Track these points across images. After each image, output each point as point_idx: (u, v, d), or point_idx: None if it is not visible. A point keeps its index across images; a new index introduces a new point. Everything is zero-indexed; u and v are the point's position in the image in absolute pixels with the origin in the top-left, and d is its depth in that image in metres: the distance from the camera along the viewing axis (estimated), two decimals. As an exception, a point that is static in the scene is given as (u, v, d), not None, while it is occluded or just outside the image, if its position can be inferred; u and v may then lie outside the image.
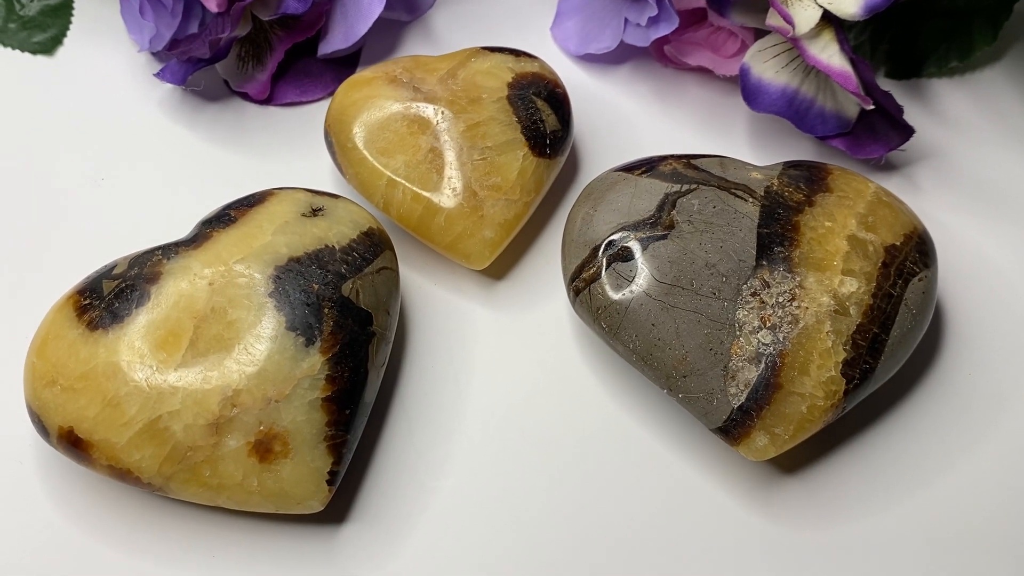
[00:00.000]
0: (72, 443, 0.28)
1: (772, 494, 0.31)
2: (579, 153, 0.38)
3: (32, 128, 0.38)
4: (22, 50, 0.40)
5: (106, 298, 0.30)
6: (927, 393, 0.33)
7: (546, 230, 0.36)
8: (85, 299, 0.30)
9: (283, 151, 0.38)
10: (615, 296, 0.30)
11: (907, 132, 0.35)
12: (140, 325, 0.29)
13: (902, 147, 0.36)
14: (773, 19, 0.34)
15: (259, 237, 0.31)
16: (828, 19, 0.34)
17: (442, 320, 0.34)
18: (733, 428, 0.29)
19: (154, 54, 0.40)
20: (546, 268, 0.35)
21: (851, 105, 0.36)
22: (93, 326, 0.29)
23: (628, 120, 0.39)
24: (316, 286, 0.30)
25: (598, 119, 0.39)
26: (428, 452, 0.32)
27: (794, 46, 0.34)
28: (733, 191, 0.32)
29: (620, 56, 0.40)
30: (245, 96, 0.39)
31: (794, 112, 0.35)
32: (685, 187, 0.32)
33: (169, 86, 0.39)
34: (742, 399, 0.29)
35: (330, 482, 0.29)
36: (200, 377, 0.28)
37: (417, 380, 0.33)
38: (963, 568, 0.30)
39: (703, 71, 0.39)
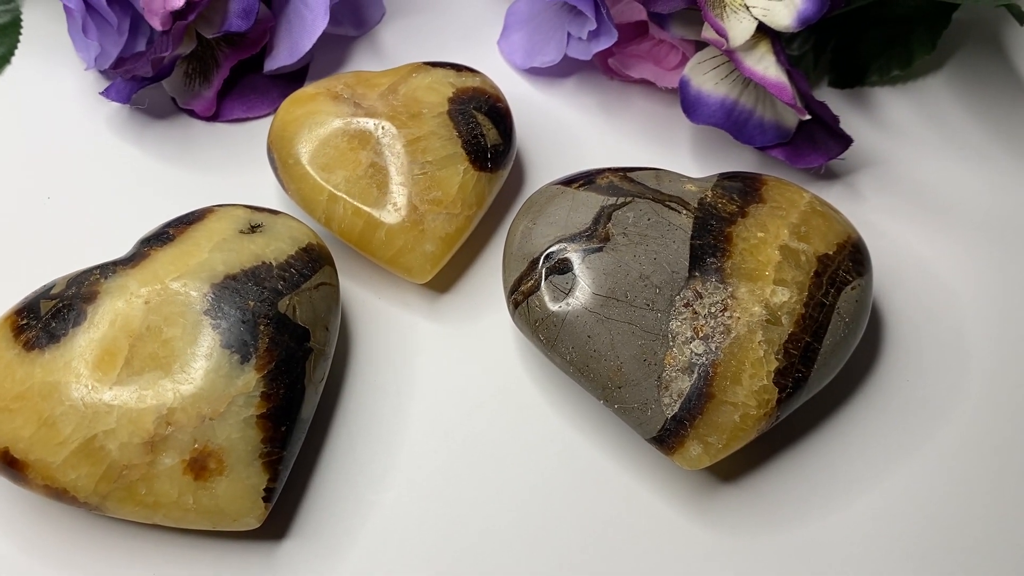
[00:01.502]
0: (8, 463, 0.28)
1: (710, 502, 0.31)
2: (525, 166, 0.38)
3: (-21, 147, 0.38)
4: (-30, 69, 0.40)
5: (43, 318, 0.30)
6: (865, 400, 0.33)
7: (491, 243, 0.36)
8: (22, 319, 0.30)
9: (229, 167, 0.38)
10: (552, 308, 0.31)
11: (845, 141, 0.36)
12: (76, 345, 0.29)
13: (841, 156, 0.36)
14: (708, 32, 0.34)
15: (196, 255, 0.31)
16: (764, 31, 0.34)
17: (385, 334, 0.34)
18: (667, 438, 0.30)
19: (102, 72, 0.40)
20: (490, 281, 0.36)
21: (790, 115, 0.36)
22: (30, 346, 0.29)
23: (573, 133, 0.39)
24: (252, 303, 0.30)
25: (544, 132, 0.39)
26: (369, 466, 0.32)
27: (730, 59, 0.34)
28: (667, 203, 0.32)
29: (566, 69, 0.40)
30: (192, 113, 0.39)
31: (733, 123, 0.36)
32: (620, 200, 0.32)
33: (117, 104, 0.39)
34: (675, 409, 0.30)
35: (266, 499, 0.29)
36: (135, 396, 0.28)
37: (359, 394, 0.33)
38: (902, 574, 0.30)
39: (647, 83, 0.39)
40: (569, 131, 0.39)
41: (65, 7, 0.38)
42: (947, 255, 0.36)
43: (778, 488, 0.32)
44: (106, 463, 0.28)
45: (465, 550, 0.31)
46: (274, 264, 0.31)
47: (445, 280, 0.35)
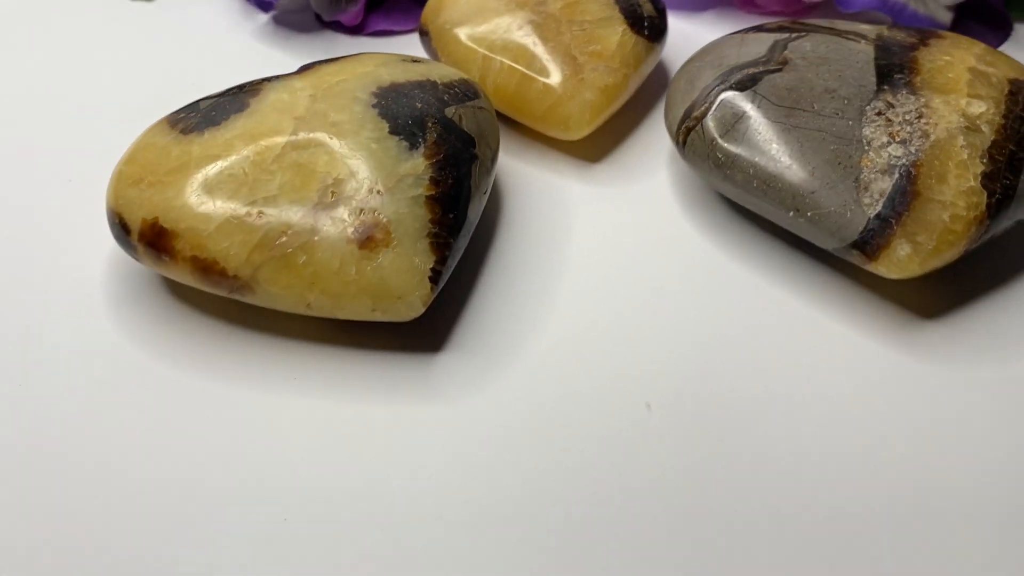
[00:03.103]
0: (155, 236, 0.26)
1: (914, 335, 0.28)
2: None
3: (134, 54, 0.39)
4: (122, -4, 0.41)
5: (202, 110, 0.29)
6: (1068, 251, 0.30)
7: (643, 125, 0.35)
8: (180, 114, 0.29)
9: (373, 66, 0.38)
10: (730, 124, 0.29)
11: (1006, 27, 0.35)
12: (237, 126, 0.28)
13: (1000, 46, 0.35)
14: (864, -92, 0.35)
15: (362, 67, 0.30)
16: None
17: (538, 196, 0.32)
18: (871, 239, 0.27)
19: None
20: (645, 155, 0.34)
21: (942, 11, 0.36)
22: (187, 131, 0.28)
23: (715, 50, 0.39)
24: (419, 105, 0.29)
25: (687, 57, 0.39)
26: (526, 299, 0.29)
27: (887, -66, 0.35)
28: (844, 35, 0.31)
29: (703, 3, 0.41)
30: (337, 25, 0.39)
31: (889, 10, 0.36)
32: (795, 34, 0.31)
33: (262, 20, 0.40)
34: (879, 207, 0.27)
35: (433, 280, 0.26)
36: (299, 165, 0.27)
37: (515, 242, 0.31)
38: None
39: (783, 13, 0.40)
40: (711, 48, 0.39)
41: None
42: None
43: (987, 324, 0.28)
44: (263, 231, 0.26)
45: (622, 377, 0.27)
46: (439, 82, 0.30)
47: (598, 150, 0.34)
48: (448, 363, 0.27)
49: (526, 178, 0.33)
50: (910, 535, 0.24)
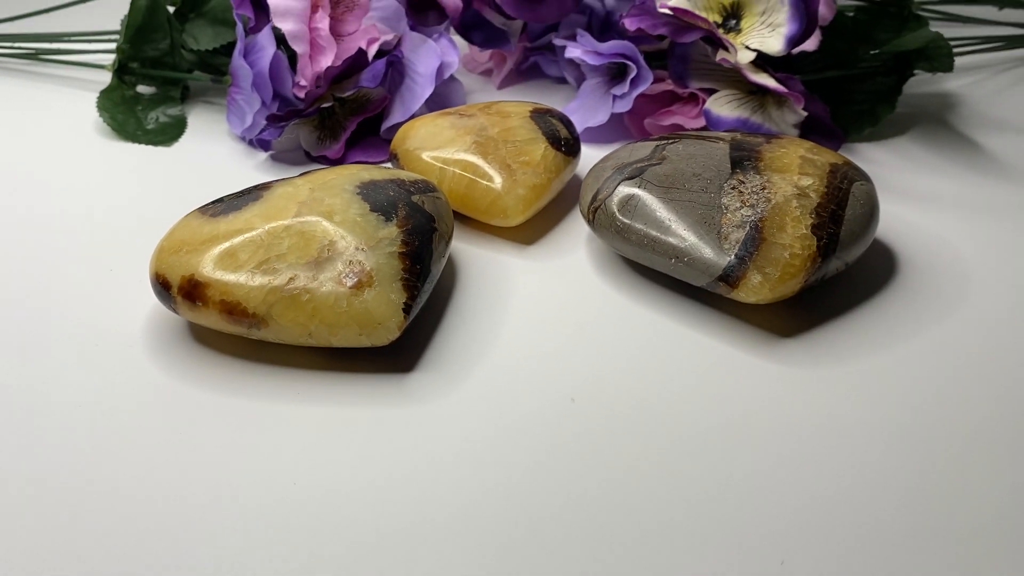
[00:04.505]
0: (191, 288, 0.34)
1: (774, 349, 0.37)
2: (586, 185, 0.48)
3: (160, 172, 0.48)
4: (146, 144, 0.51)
5: (226, 201, 0.38)
6: (885, 303, 0.40)
7: (565, 220, 0.45)
8: (208, 205, 0.38)
9: (352, 186, 0.47)
10: (625, 202, 0.39)
11: (839, 137, 0.46)
12: (253, 210, 0.37)
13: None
14: (722, 55, 0.46)
15: (348, 171, 0.39)
16: (760, 66, 0.46)
17: (484, 269, 0.41)
18: (732, 273, 0.36)
19: (248, 142, 0.51)
20: (567, 238, 0.43)
21: (791, 128, 0.47)
22: (215, 215, 0.37)
23: (622, 168, 0.49)
24: (391, 193, 0.38)
25: (599, 169, 0.49)
26: (478, 335, 0.37)
27: (740, 73, 0.46)
28: (707, 139, 0.41)
29: (612, 136, 0.52)
30: (323, 159, 0.49)
31: (748, 128, 0.46)
32: (670, 140, 0.42)
33: (261, 158, 0.50)
34: (736, 250, 0.36)
35: (405, 311, 0.34)
36: (302, 233, 0.35)
37: (469, 300, 0.39)
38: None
39: (675, 128, 0.51)
40: (619, 166, 0.49)
41: (231, 98, 0.50)
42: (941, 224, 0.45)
43: (829, 341, 0.37)
44: (275, 278, 0.34)
45: (557, 384, 0.35)
46: (406, 180, 0.40)
47: (531, 235, 0.43)
48: (419, 379, 0.35)
49: (476, 257, 0.42)
50: (777, 489, 0.31)
